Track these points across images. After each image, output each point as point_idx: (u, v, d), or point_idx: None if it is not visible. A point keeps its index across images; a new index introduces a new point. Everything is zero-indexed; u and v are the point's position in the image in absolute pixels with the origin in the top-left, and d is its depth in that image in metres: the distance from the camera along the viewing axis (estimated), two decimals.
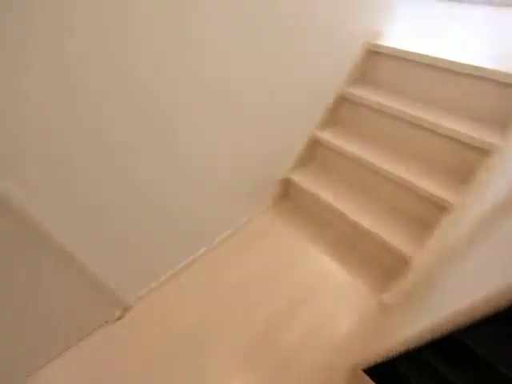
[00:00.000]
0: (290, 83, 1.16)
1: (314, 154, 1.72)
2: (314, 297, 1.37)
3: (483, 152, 1.16)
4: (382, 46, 1.40)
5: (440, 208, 1.27)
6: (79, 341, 1.17)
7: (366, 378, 1.03)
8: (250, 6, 0.82)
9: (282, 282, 1.42)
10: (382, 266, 1.47)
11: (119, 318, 1.23)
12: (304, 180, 1.66)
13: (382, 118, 1.44)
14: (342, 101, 1.55)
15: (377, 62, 1.47)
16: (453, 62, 1.20)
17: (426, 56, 1.26)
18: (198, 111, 0.91)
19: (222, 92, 0.93)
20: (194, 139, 0.97)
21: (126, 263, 1.10)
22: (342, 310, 1.32)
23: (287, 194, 1.84)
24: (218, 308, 1.31)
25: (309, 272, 1.47)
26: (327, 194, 1.56)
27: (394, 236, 1.34)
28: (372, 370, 1.01)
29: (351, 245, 1.59)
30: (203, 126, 0.97)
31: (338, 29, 1.18)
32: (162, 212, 1.08)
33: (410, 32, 1.57)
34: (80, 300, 1.05)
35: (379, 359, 0.90)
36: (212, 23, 0.77)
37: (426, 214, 1.36)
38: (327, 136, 1.56)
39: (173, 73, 0.78)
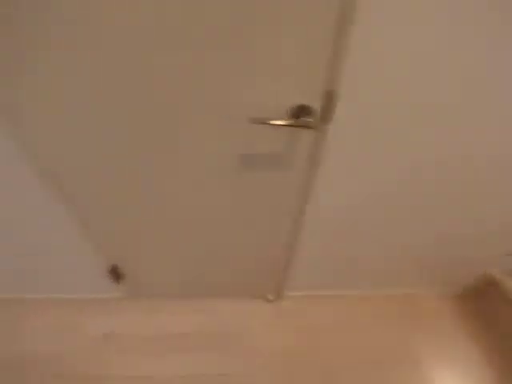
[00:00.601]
0: None
1: None
2: None
3: None
4: None
5: None
6: (234, 299, 1.40)
7: None
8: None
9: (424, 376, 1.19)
10: None
11: (270, 301, 1.42)
12: None
13: None
14: None
15: None
16: None
17: None
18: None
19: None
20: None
21: (320, 263, 1.24)
22: None
23: (484, 293, 1.43)
24: (343, 356, 1.25)
25: None
26: None
27: None
28: None
29: None
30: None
31: None
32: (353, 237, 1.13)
33: None
34: (264, 268, 1.23)
35: None
36: None
37: None
38: None
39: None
